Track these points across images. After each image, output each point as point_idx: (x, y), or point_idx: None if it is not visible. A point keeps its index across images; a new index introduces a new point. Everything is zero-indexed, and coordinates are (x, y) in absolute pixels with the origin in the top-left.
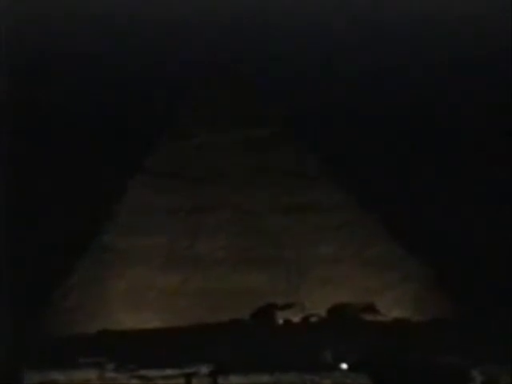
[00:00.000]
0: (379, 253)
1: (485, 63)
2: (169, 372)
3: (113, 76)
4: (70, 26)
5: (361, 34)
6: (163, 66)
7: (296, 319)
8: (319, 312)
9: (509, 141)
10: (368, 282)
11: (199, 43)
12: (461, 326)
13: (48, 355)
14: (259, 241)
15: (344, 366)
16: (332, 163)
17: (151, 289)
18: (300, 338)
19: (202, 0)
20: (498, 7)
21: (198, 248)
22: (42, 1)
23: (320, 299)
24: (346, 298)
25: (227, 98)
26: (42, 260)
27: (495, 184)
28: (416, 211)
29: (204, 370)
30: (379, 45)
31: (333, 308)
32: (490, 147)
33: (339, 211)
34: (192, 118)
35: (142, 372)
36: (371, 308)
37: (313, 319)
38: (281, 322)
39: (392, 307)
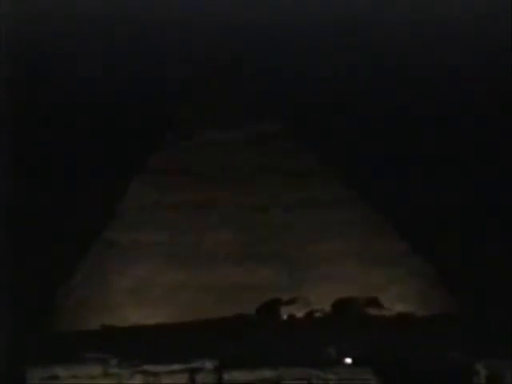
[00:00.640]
0: (383, 248)
1: (485, 63)
2: (173, 367)
3: (113, 76)
4: (70, 26)
5: (361, 34)
6: (163, 66)
7: (300, 314)
8: (323, 307)
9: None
10: (372, 277)
11: (199, 43)
12: (464, 320)
13: (52, 351)
14: (263, 236)
15: (348, 360)
16: (335, 159)
17: (155, 285)
18: (304, 333)
19: (202, 0)
20: (497, 7)
21: (201, 244)
22: (41, 1)
23: (324, 294)
24: (349, 294)
25: (228, 97)
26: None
27: (497, 180)
28: (419, 207)
29: (208, 365)
30: (379, 45)
31: (337, 303)
32: (491, 147)
33: (343, 207)
34: (193, 117)
35: (146, 367)
36: (375, 303)
37: (317, 314)
38: (285, 317)
39: (396, 303)
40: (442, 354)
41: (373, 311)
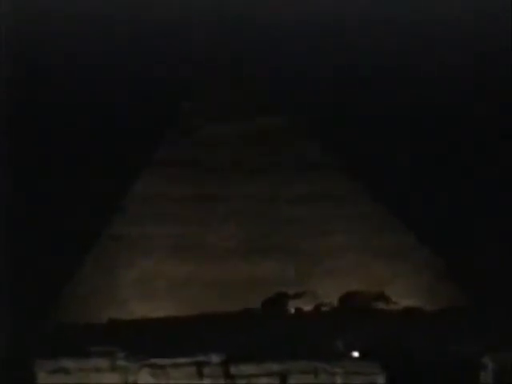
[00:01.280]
0: (391, 242)
1: (485, 63)
2: (180, 361)
3: (113, 76)
4: (70, 25)
5: (361, 34)
6: (163, 66)
7: (307, 308)
8: (330, 301)
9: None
10: (379, 271)
11: (199, 43)
12: (472, 314)
13: (59, 344)
14: (270, 230)
15: (355, 354)
16: (344, 153)
17: (162, 278)
18: (311, 326)
19: (201, 0)
20: (497, 7)
21: (208, 237)
22: (42, 1)
23: (331, 288)
24: (357, 287)
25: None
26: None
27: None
28: (427, 200)
29: (215, 358)
30: (379, 44)
31: (344, 296)
32: (490, 146)
33: (351, 201)
34: (200, 110)
35: (153, 361)
36: (383, 297)
37: (324, 308)
38: (292, 310)
39: (404, 296)
40: (449, 347)
41: (380, 305)
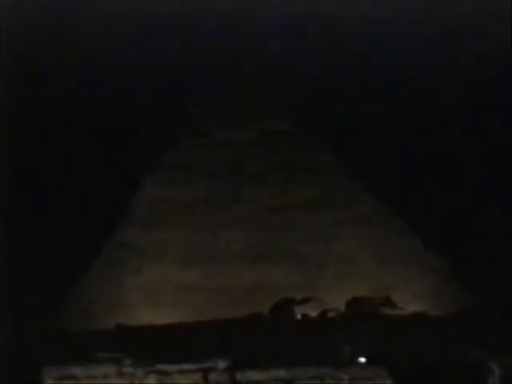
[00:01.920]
0: (397, 247)
1: (485, 63)
2: (186, 367)
3: (113, 76)
4: (70, 26)
5: (361, 34)
6: (163, 65)
7: (314, 314)
8: (337, 307)
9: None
10: (386, 276)
11: (199, 43)
12: (478, 319)
13: (66, 350)
14: (276, 235)
15: (362, 360)
16: (347, 158)
17: (168, 284)
18: (318, 332)
19: (201, 0)
20: (497, 7)
21: (214, 243)
22: (42, 1)
23: (338, 294)
24: (363, 293)
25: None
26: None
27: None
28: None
29: (221, 364)
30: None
31: (351, 302)
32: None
33: (356, 206)
34: (205, 115)
35: (160, 367)
36: (389, 302)
37: (331, 314)
38: (299, 316)
39: (410, 301)
40: (456, 352)
41: (387, 310)
